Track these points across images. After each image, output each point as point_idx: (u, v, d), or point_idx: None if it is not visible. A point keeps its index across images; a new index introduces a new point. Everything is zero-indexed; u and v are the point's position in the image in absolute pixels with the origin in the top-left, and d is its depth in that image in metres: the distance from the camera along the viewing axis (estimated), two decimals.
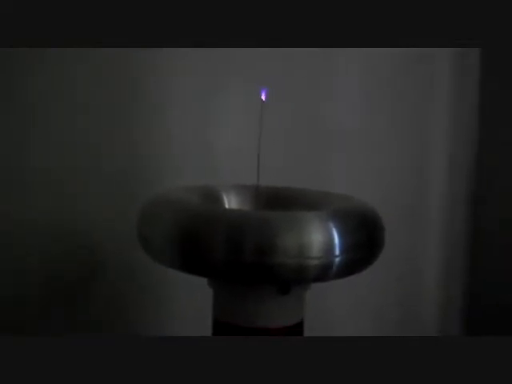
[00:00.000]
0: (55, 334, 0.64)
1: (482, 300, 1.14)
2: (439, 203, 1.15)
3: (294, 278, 0.59)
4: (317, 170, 0.97)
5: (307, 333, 0.67)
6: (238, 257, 0.56)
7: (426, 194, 1.14)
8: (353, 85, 1.01)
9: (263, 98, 0.67)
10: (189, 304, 0.87)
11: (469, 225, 1.17)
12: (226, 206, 0.70)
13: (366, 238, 0.61)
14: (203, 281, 0.64)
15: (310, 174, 0.95)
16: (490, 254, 1.13)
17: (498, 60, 1.10)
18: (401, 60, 1.03)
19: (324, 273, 0.59)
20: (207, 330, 0.65)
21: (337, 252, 0.58)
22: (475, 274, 1.16)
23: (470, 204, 1.17)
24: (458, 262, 1.18)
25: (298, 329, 0.65)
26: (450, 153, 1.15)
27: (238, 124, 0.90)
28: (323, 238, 0.58)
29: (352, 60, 0.99)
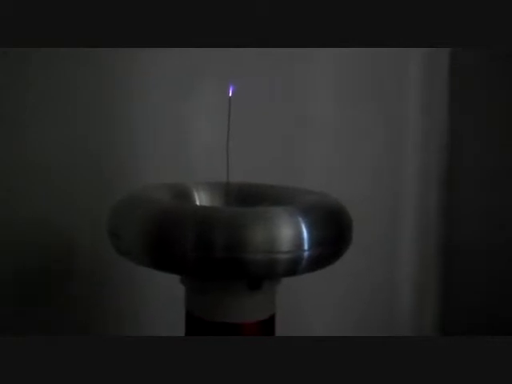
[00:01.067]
0: (33, 335, 0.64)
1: (457, 300, 1.15)
2: (413, 201, 1.16)
3: (264, 273, 0.59)
4: (289, 167, 0.98)
5: (281, 328, 0.67)
6: (207, 253, 0.57)
7: (400, 192, 1.15)
8: (326, 84, 1.02)
9: (230, 93, 0.67)
10: (162, 300, 0.87)
11: (443, 224, 1.18)
12: (197, 203, 0.70)
13: (334, 233, 0.62)
14: (176, 277, 0.64)
15: (281, 170, 0.96)
16: (464, 254, 1.14)
17: (467, 60, 1.11)
18: (373, 60, 1.04)
19: (294, 267, 0.59)
20: (180, 326, 0.65)
21: (306, 246, 0.59)
22: (450, 274, 1.17)
23: (444, 202, 1.18)
24: (432, 261, 1.19)
25: (269, 323, 0.65)
26: (423, 151, 1.16)
27: (210, 122, 0.90)
28: (292, 232, 0.58)
29: (326, 59, 1.00)
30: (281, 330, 0.67)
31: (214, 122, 0.89)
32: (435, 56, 1.12)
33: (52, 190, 0.82)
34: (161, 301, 0.87)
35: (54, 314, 0.82)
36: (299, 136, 1.00)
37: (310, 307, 1.03)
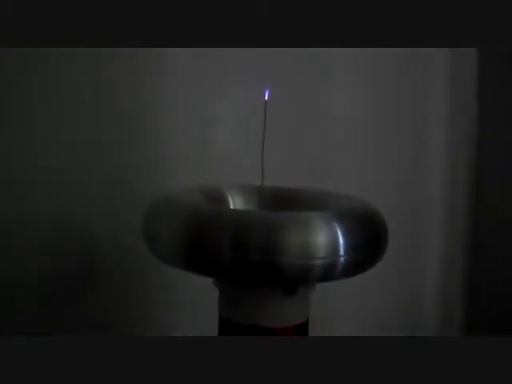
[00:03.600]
0: (56, 335, 0.65)
1: (482, 300, 1.15)
2: (439, 203, 1.16)
3: (300, 278, 0.59)
4: (320, 168, 0.98)
5: (311, 331, 0.67)
6: (243, 257, 0.57)
7: (427, 193, 1.15)
8: (352, 85, 1.02)
9: (266, 97, 0.67)
10: (194, 303, 0.87)
11: (469, 224, 1.18)
12: (231, 207, 0.71)
13: (370, 238, 0.62)
14: (209, 280, 0.64)
15: (313, 172, 0.95)
16: (490, 254, 1.13)
17: (494, 60, 1.10)
18: (398, 60, 1.04)
19: (329, 273, 0.59)
20: (213, 329, 0.66)
21: (342, 252, 0.59)
22: (476, 274, 1.17)
23: (470, 203, 1.17)
24: (458, 262, 1.18)
25: (302, 328, 0.65)
26: (450, 153, 1.15)
27: (241, 124, 0.90)
28: (328, 238, 0.58)
29: (351, 60, 1.00)
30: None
31: (241, 123, 0.89)
32: (462, 56, 1.11)
33: (52, 190, 0.81)
34: (192, 303, 0.88)
35: (54, 316, 0.82)
36: (327, 138, 1.00)
37: (339, 310, 1.03)
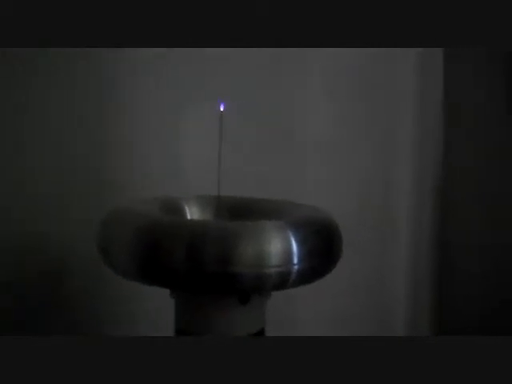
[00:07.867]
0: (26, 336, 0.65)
1: (450, 303, 1.15)
2: (407, 208, 1.15)
3: (254, 287, 0.59)
4: (282, 179, 0.98)
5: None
6: (198, 267, 0.57)
7: (394, 200, 1.14)
8: (316, 88, 1.01)
9: (221, 109, 0.67)
10: (151, 314, 0.87)
11: (436, 230, 1.18)
12: (188, 217, 0.71)
13: (323, 247, 0.62)
14: (166, 291, 0.64)
15: (275, 183, 0.96)
16: (457, 259, 1.14)
17: (461, 60, 1.11)
18: (365, 60, 1.03)
19: (283, 281, 0.59)
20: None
21: (295, 260, 0.59)
22: (443, 278, 1.18)
23: (436, 208, 1.17)
24: (425, 267, 1.19)
25: (259, 336, 0.65)
26: (417, 158, 1.16)
27: (202, 135, 0.90)
28: (281, 246, 0.58)
29: (316, 61, 1.00)
30: None
31: (205, 136, 0.89)
32: (429, 57, 1.12)
33: (18, 202, 0.81)
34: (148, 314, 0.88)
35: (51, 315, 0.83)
36: (289, 149, 1.00)
37: (304, 314, 1.03)
